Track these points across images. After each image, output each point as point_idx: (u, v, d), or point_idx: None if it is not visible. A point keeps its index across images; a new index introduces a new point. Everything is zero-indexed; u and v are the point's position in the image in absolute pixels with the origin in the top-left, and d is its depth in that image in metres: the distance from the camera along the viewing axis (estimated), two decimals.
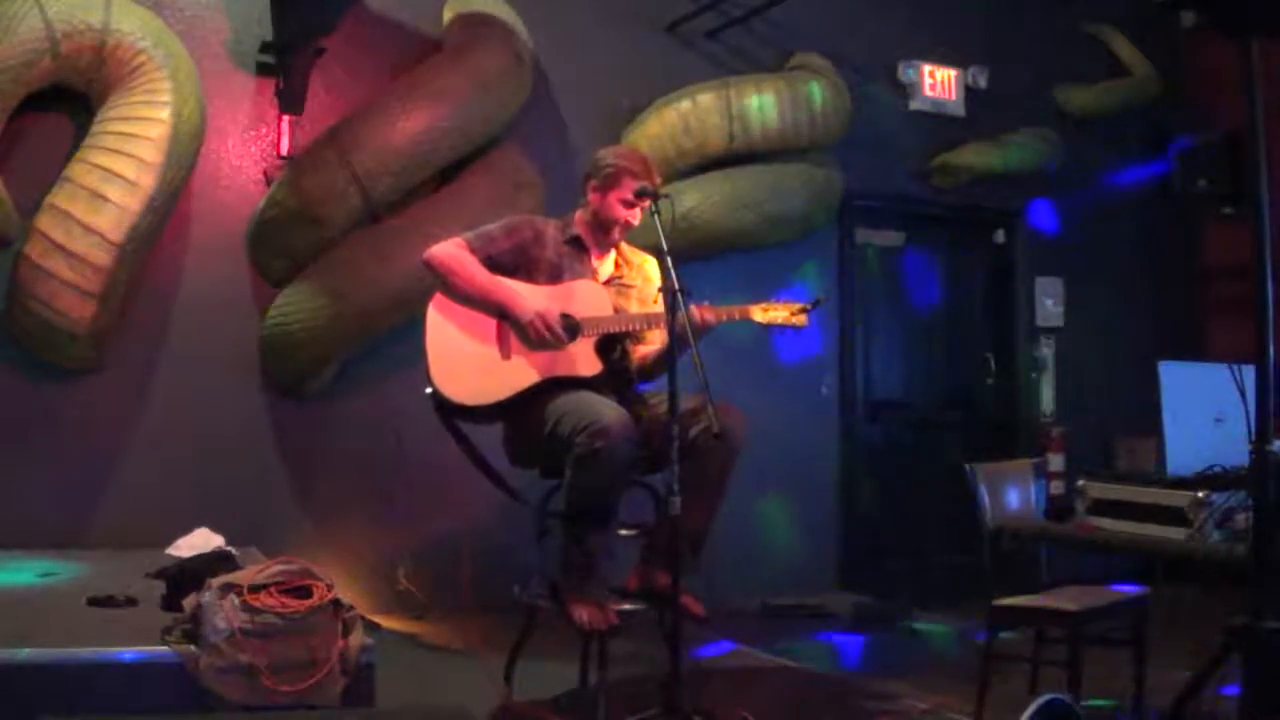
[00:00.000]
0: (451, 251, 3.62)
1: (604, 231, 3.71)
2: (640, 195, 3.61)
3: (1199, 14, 5.82)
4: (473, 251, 3.63)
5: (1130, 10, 6.95)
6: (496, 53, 5.18)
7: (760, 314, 3.62)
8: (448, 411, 3.66)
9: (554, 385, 3.54)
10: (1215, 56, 6.50)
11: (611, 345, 3.67)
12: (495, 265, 3.65)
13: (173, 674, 2.77)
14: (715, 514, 3.54)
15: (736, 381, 5.63)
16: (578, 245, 3.73)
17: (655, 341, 3.71)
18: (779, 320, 3.61)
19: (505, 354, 3.59)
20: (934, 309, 6.70)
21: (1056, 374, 6.86)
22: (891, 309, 6.58)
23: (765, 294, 3.81)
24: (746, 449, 3.52)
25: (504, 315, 3.60)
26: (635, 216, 3.67)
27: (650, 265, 3.79)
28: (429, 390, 3.62)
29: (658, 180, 3.71)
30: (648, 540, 3.64)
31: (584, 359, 3.58)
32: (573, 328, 3.58)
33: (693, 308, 3.43)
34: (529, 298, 3.57)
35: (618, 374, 3.68)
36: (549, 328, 3.52)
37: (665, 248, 3.34)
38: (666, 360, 3.29)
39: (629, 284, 3.75)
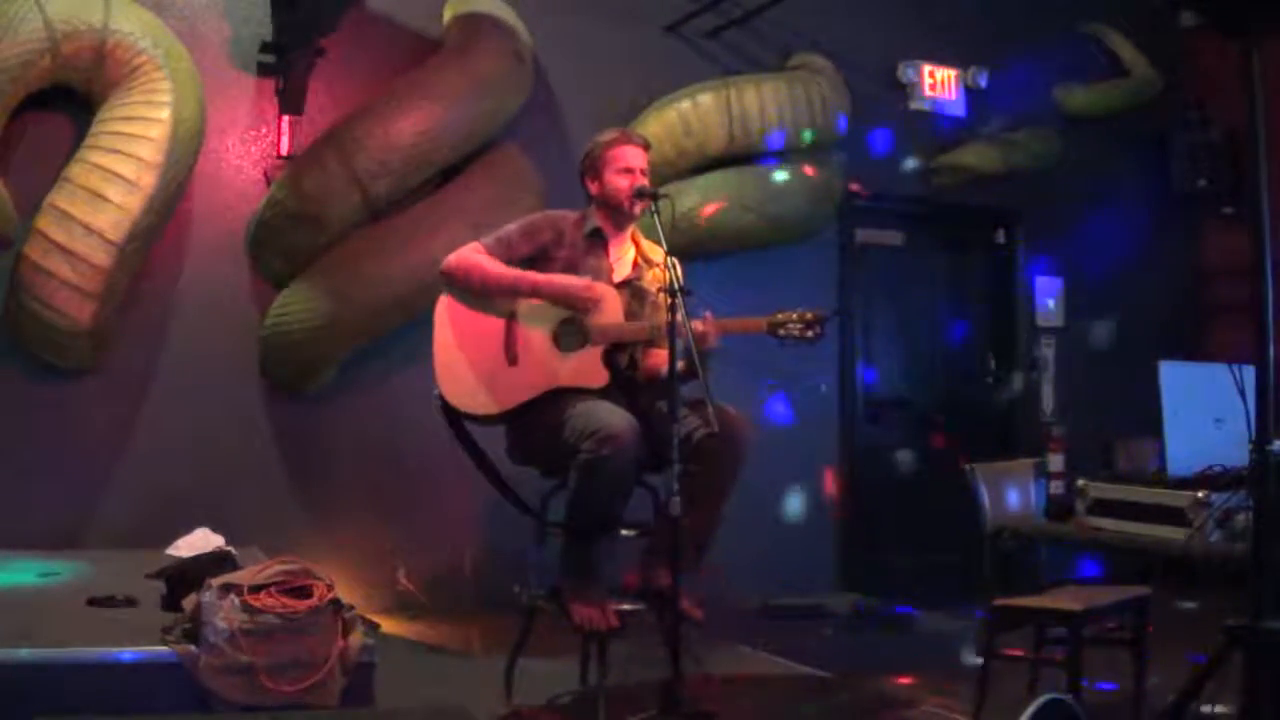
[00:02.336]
0: (471, 256, 3.61)
1: (619, 212, 3.71)
2: (639, 196, 3.62)
3: (1199, 14, 5.82)
4: (491, 257, 3.62)
5: (1130, 10, 6.95)
6: (496, 53, 5.18)
7: (771, 326, 3.60)
8: (454, 417, 3.66)
9: (560, 393, 3.53)
10: (1215, 56, 6.50)
11: (620, 351, 3.67)
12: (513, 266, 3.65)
13: (173, 674, 2.76)
14: (717, 518, 3.53)
15: (736, 381, 5.64)
16: (597, 237, 3.72)
17: (666, 349, 3.69)
18: (794, 333, 3.58)
19: (511, 361, 3.58)
20: (934, 309, 6.70)
21: (1056, 374, 6.86)
22: (891, 309, 6.58)
23: (765, 294, 3.80)
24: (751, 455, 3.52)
25: (511, 322, 3.59)
26: (638, 179, 3.67)
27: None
28: (435, 393, 3.62)
29: (636, 140, 3.75)
30: (648, 541, 3.63)
31: (590, 369, 3.57)
32: (581, 335, 3.57)
33: (696, 323, 3.42)
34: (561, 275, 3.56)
35: (626, 381, 3.67)
36: (591, 290, 3.53)
37: (665, 248, 3.34)
38: (670, 367, 3.28)
39: (646, 288, 3.74)
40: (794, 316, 3.58)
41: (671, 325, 3.25)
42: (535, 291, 3.57)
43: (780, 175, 5.79)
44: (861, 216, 6.43)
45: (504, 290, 3.59)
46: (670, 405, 3.19)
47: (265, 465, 5.08)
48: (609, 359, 3.60)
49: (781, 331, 3.58)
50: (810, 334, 3.57)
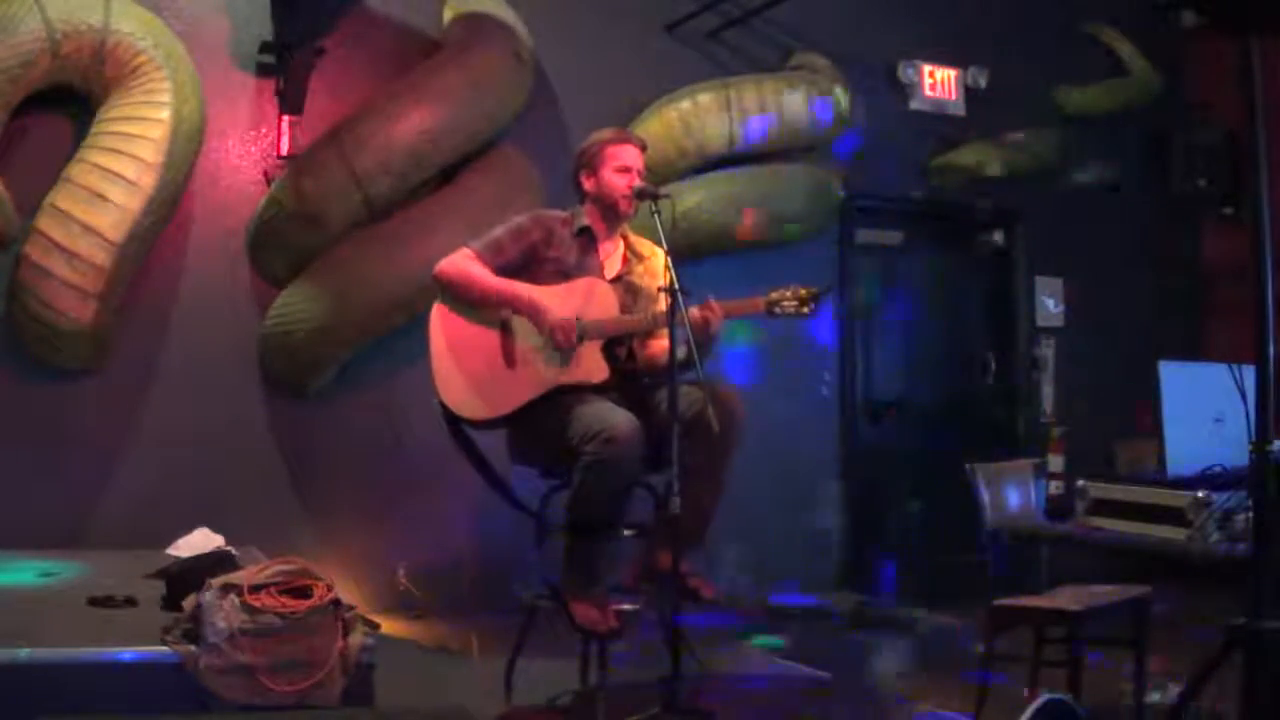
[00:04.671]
0: (462, 263, 3.60)
1: (613, 211, 3.69)
2: (640, 196, 3.61)
3: (1199, 14, 5.82)
4: (483, 262, 3.61)
5: (1130, 10, 6.95)
6: (496, 53, 5.18)
7: (768, 305, 3.59)
8: (455, 423, 3.65)
9: (561, 392, 3.53)
10: (1215, 56, 6.51)
11: (618, 345, 3.66)
12: (504, 271, 3.64)
13: (173, 674, 2.77)
14: (718, 495, 3.51)
15: (736, 381, 5.64)
16: (587, 236, 3.72)
17: (664, 338, 3.66)
18: (790, 310, 3.58)
19: (510, 363, 3.58)
20: (934, 309, 6.70)
21: (1056, 374, 6.86)
22: (891, 309, 6.58)
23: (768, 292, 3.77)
24: (744, 441, 3.50)
25: (506, 326, 3.59)
26: (635, 179, 3.66)
27: (656, 260, 3.73)
28: (435, 402, 3.62)
29: (635, 141, 3.74)
30: (648, 541, 3.63)
31: (591, 365, 3.56)
32: (580, 331, 3.57)
33: (695, 310, 3.41)
34: (549, 303, 3.55)
35: (625, 374, 3.67)
36: (569, 338, 3.51)
37: (665, 248, 3.34)
38: (670, 364, 3.28)
39: (637, 283, 3.74)
40: (789, 294, 3.57)
41: (671, 323, 3.25)
42: (525, 312, 3.56)
43: (780, 175, 5.79)
44: (861, 216, 6.43)
45: (496, 304, 3.59)
46: (670, 407, 3.19)
47: (265, 465, 5.08)
48: (608, 353, 3.60)
49: (778, 309, 3.57)
50: (806, 309, 3.56)
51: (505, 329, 3.60)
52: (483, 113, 5.14)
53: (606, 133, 3.78)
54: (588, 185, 3.72)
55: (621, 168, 3.66)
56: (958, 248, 6.84)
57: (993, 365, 6.80)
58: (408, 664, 4.18)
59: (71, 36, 4.45)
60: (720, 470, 3.49)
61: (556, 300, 3.59)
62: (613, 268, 3.74)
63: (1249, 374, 2.72)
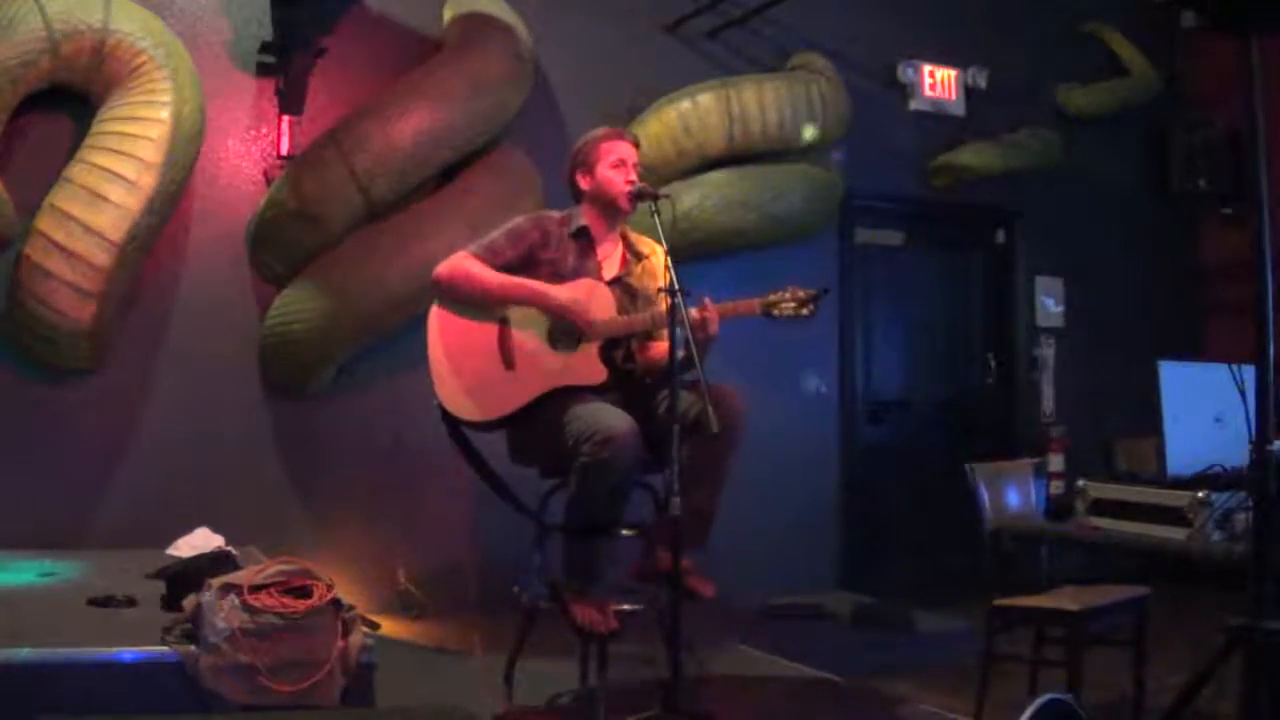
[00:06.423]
0: (461, 263, 3.60)
1: (611, 207, 3.69)
2: (640, 197, 3.60)
3: (1199, 13, 5.82)
4: (481, 263, 3.61)
5: (1130, 10, 6.96)
6: (496, 53, 5.18)
7: (765, 307, 3.58)
8: (454, 425, 3.65)
9: (559, 394, 3.53)
10: (1215, 56, 6.52)
11: (616, 346, 3.66)
12: (502, 272, 3.64)
13: (173, 674, 2.76)
14: (719, 494, 3.51)
15: (736, 381, 5.64)
16: (584, 238, 3.71)
17: (664, 339, 3.61)
18: (788, 312, 3.56)
19: (508, 365, 3.57)
20: (934, 309, 6.70)
21: (1056, 374, 6.86)
22: (891, 309, 6.58)
23: (765, 294, 3.76)
24: (745, 440, 3.50)
25: (504, 328, 3.59)
26: (632, 174, 3.66)
27: (657, 259, 3.72)
28: (435, 404, 3.62)
29: (628, 137, 3.75)
30: (648, 541, 3.63)
31: (588, 366, 3.56)
32: (578, 333, 3.57)
33: (694, 311, 3.41)
34: (552, 287, 3.56)
35: (624, 375, 3.66)
36: (584, 310, 3.51)
37: (665, 248, 3.34)
38: (670, 366, 3.27)
39: (635, 285, 3.73)
40: (787, 295, 3.55)
41: (671, 323, 3.24)
42: (532, 300, 3.56)
43: (780, 175, 5.79)
44: (861, 216, 6.44)
45: (500, 298, 3.58)
46: (671, 408, 3.18)
47: (265, 465, 5.08)
48: (605, 355, 3.60)
49: (776, 311, 3.55)
50: (805, 311, 3.53)
51: (503, 331, 3.59)
52: (482, 113, 5.14)
53: (599, 130, 3.77)
54: (584, 184, 3.72)
55: (617, 162, 3.66)
56: (958, 248, 6.84)
57: (993, 365, 6.81)
58: (408, 664, 4.18)
59: (71, 36, 4.45)
60: (721, 470, 3.48)
61: None
62: (611, 268, 3.73)
63: (1249, 374, 2.72)
